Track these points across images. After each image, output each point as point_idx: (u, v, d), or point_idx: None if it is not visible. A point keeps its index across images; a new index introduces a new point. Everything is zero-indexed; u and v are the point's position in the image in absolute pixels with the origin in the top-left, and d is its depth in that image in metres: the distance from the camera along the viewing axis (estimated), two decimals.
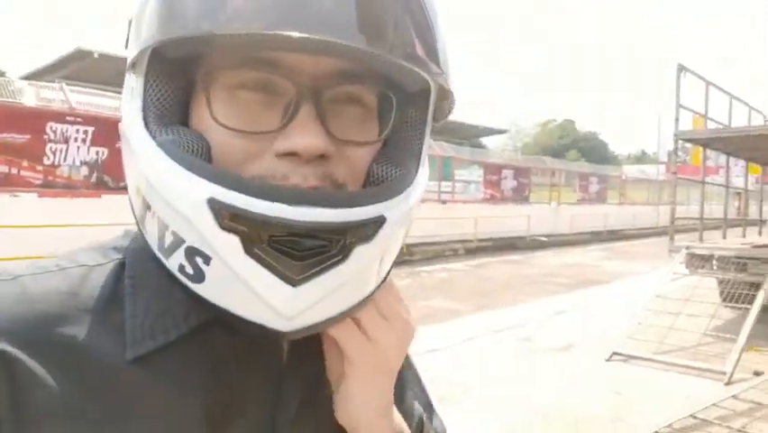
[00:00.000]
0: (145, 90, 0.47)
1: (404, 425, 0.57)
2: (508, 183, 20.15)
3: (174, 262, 0.46)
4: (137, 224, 0.51)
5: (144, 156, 0.46)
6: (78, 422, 0.44)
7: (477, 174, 19.87)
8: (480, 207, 17.36)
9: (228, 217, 0.42)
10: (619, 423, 3.85)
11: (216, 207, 0.42)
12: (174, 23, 0.43)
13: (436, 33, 0.48)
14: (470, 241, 15.18)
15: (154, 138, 0.46)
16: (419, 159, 0.53)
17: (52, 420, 0.43)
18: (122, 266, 0.52)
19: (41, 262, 0.51)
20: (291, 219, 0.41)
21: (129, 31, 0.49)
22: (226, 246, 0.43)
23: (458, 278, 10.99)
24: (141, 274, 0.51)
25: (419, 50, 0.45)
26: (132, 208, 0.51)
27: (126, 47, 0.50)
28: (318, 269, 0.43)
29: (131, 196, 0.50)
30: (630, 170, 32.76)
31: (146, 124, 0.47)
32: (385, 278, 0.51)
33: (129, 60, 0.48)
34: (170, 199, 0.44)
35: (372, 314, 0.51)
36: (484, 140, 40.96)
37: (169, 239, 0.46)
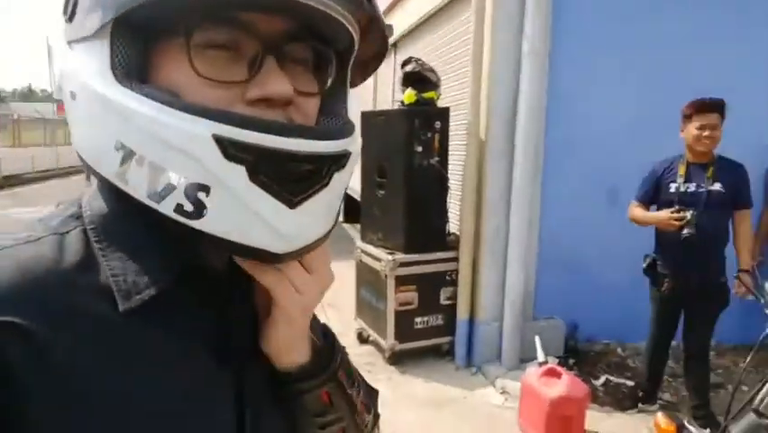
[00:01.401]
0: (112, 53, 0.49)
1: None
2: None
3: (169, 204, 0.49)
4: (104, 182, 0.53)
5: (130, 107, 0.48)
6: (91, 373, 0.48)
7: None
8: None
9: (234, 149, 0.46)
10: None
11: (222, 140, 0.46)
12: None
13: None
14: None
15: (137, 91, 0.48)
16: (346, 111, 0.61)
17: (72, 378, 0.47)
18: (84, 232, 0.54)
19: (12, 235, 0.52)
20: (288, 149, 0.48)
21: (72, 2, 0.52)
22: (232, 175, 0.47)
23: None
24: (108, 237, 0.54)
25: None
26: (99, 170, 0.53)
27: (68, 13, 0.52)
28: (311, 192, 0.50)
29: (100, 157, 0.52)
30: (22, 108, 30.01)
31: (119, 83, 0.49)
32: (337, 219, 0.59)
33: (95, 27, 0.49)
34: (172, 140, 0.47)
35: (299, 270, 0.57)
36: None
37: (164, 181, 0.49)
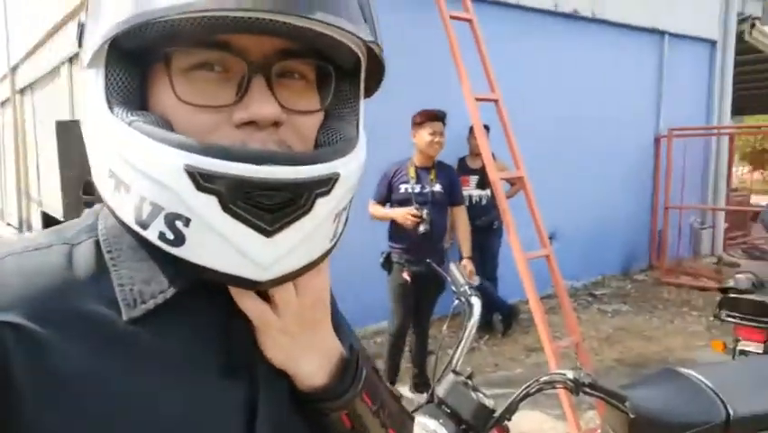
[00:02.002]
0: (106, 80, 0.51)
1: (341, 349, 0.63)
2: None
3: (153, 232, 0.50)
4: (108, 207, 0.55)
5: (117, 137, 0.49)
6: (94, 379, 0.48)
7: None
8: None
9: (204, 179, 0.46)
10: None
11: (192, 172, 0.46)
12: (138, 8, 0.47)
13: (372, 8, 0.56)
14: None
15: (122, 121, 0.49)
16: (358, 127, 0.59)
17: (71, 382, 0.47)
18: (97, 244, 0.55)
19: (23, 243, 0.53)
20: (259, 177, 0.46)
21: (81, 31, 0.54)
22: (205, 206, 0.47)
23: None
24: (117, 249, 0.54)
25: (355, 18, 0.52)
26: (102, 194, 0.55)
27: (80, 46, 0.54)
28: (287, 220, 0.49)
29: (98, 180, 0.55)
30: None
31: (111, 111, 0.50)
32: (339, 238, 0.58)
33: (88, 56, 0.52)
34: (149, 171, 0.48)
35: (283, 290, 0.55)
36: None
37: (147, 210, 0.50)
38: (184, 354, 0.52)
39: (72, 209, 4.11)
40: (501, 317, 5.15)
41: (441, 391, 1.54)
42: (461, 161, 5.18)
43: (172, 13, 0.46)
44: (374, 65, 0.59)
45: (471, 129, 4.64)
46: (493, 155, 4.03)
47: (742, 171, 16.94)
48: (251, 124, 0.50)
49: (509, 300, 5.19)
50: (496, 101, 4.04)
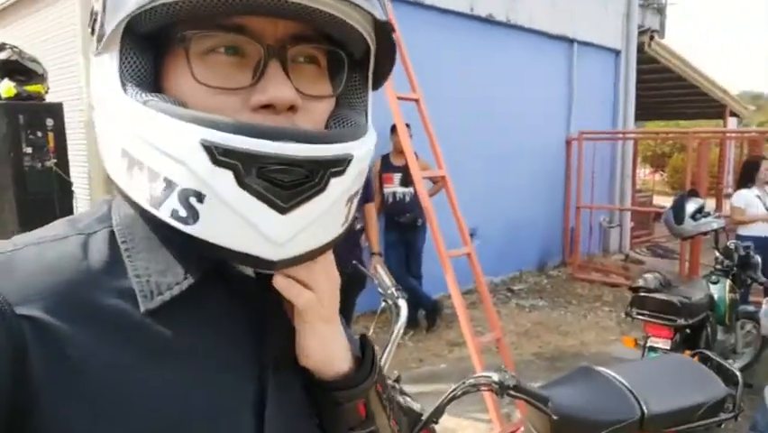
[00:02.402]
0: (121, 64, 0.50)
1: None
2: None
3: (166, 209, 0.49)
4: (119, 190, 0.54)
5: (131, 116, 0.49)
6: (111, 370, 0.48)
7: None
8: None
9: (221, 154, 0.45)
10: None
11: (209, 146, 0.45)
12: None
13: None
14: None
15: (137, 101, 0.49)
16: (366, 115, 0.60)
17: (87, 374, 0.47)
18: (111, 234, 0.54)
19: (38, 233, 0.53)
20: (276, 153, 0.46)
21: (92, 18, 0.53)
22: (220, 181, 0.46)
23: None
24: (132, 240, 0.54)
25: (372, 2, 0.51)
26: (113, 177, 0.54)
27: (92, 34, 0.53)
28: (303, 197, 0.48)
29: (111, 163, 0.54)
30: None
31: (125, 92, 0.49)
32: (349, 223, 0.57)
33: (102, 41, 0.51)
34: (163, 146, 0.47)
35: (304, 267, 0.54)
36: None
37: (160, 187, 0.49)
38: (199, 346, 0.52)
39: None
40: (425, 312, 5.21)
41: None
42: (385, 158, 5.19)
43: None
44: (382, 53, 0.58)
45: (394, 127, 4.64)
46: (416, 155, 4.05)
47: (645, 173, 18.16)
48: (267, 107, 0.50)
49: (433, 296, 5.25)
50: (416, 100, 4.06)
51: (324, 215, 0.51)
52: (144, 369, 0.49)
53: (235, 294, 0.55)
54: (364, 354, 0.63)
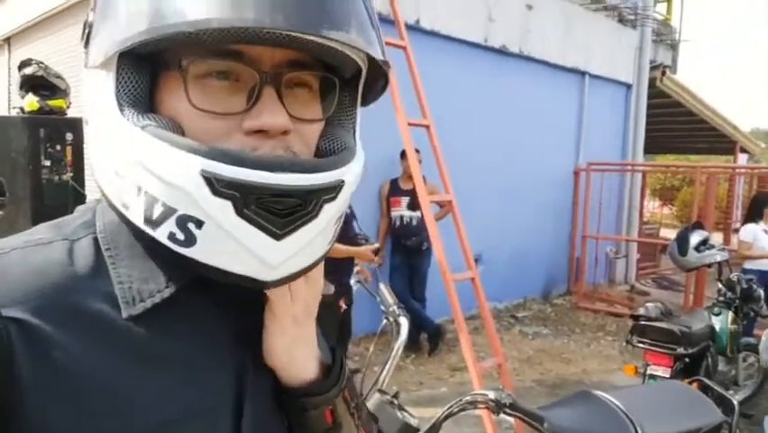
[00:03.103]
0: (117, 83, 0.51)
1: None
2: None
3: (163, 232, 0.51)
4: (107, 200, 0.56)
5: (129, 140, 0.50)
6: (95, 373, 0.49)
7: None
8: None
9: (221, 185, 0.48)
10: None
11: (209, 177, 0.47)
12: (157, 21, 0.47)
13: (376, 24, 0.56)
14: None
15: (135, 125, 0.50)
16: (355, 135, 0.62)
17: (71, 377, 0.48)
18: (95, 240, 0.55)
19: (22, 237, 0.54)
20: (275, 184, 0.48)
21: (87, 31, 0.55)
22: (220, 210, 0.48)
23: None
24: (115, 247, 0.55)
25: (370, 38, 0.53)
26: (104, 190, 0.56)
27: (86, 46, 0.55)
28: (297, 224, 0.51)
29: (105, 180, 0.55)
30: None
31: (121, 113, 0.50)
32: (333, 240, 0.59)
33: (99, 58, 0.52)
34: (163, 174, 0.49)
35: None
36: None
37: (158, 211, 0.50)
38: (180, 350, 0.54)
39: None
40: (428, 336, 5.21)
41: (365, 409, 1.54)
42: (394, 181, 5.27)
43: (192, 29, 0.47)
44: (373, 74, 0.61)
45: (403, 152, 4.72)
46: (424, 178, 4.11)
47: (653, 206, 18.14)
48: (261, 132, 0.52)
49: (436, 320, 5.26)
50: (427, 127, 4.14)
51: (315, 238, 0.54)
52: (127, 372, 0.50)
53: (217, 298, 0.57)
54: (333, 363, 0.65)
